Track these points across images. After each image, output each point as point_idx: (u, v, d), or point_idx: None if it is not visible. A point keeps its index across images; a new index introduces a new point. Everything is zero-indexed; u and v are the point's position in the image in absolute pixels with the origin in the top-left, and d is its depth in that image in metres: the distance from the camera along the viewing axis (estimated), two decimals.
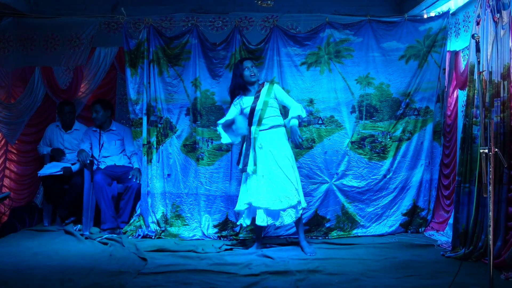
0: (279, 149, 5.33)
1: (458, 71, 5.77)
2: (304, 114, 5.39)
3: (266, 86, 5.47)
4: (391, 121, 6.09)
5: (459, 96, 5.82)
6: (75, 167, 6.53)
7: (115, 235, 5.94)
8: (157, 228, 6.03)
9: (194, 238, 5.96)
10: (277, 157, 5.29)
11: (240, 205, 5.38)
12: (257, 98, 5.39)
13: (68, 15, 6.64)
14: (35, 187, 6.98)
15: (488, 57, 4.71)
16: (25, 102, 6.76)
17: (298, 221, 5.38)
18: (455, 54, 5.90)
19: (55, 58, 6.67)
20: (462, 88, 5.63)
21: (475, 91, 4.90)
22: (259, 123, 5.34)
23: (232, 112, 5.47)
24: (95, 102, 6.59)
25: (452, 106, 5.94)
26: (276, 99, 5.43)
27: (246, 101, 5.43)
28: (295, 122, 5.31)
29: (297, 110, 5.33)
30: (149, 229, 6.02)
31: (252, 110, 5.37)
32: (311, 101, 6.08)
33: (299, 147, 5.66)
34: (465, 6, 5.68)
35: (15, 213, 6.44)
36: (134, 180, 6.26)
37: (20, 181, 6.98)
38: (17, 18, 6.58)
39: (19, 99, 6.77)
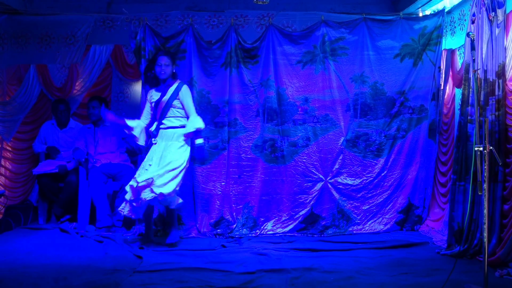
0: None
1: (455, 69, 5.79)
2: (202, 125, 5.43)
3: (175, 85, 5.51)
4: (385, 120, 6.10)
5: (456, 94, 5.83)
6: (70, 165, 6.51)
7: (111, 233, 5.94)
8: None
9: (190, 236, 5.96)
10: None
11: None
12: (163, 94, 5.48)
13: (63, 13, 6.62)
14: (30, 185, 6.96)
15: (483, 55, 4.73)
16: (20, 100, 6.75)
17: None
18: (451, 52, 5.92)
19: (50, 55, 6.68)
20: (458, 86, 5.64)
21: (470, 90, 4.91)
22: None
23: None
24: (92, 99, 6.59)
25: (450, 104, 5.96)
26: (179, 100, 5.47)
27: (154, 96, 5.54)
28: (200, 141, 5.48)
29: (190, 126, 5.40)
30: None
31: (157, 105, 5.49)
32: (306, 100, 6.09)
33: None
34: (460, 4, 5.70)
35: (9, 211, 6.41)
36: None
37: (15, 179, 6.96)
38: (11, 16, 6.57)
39: (14, 96, 6.76)
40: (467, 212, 4.84)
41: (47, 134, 6.81)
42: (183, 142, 5.46)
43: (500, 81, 4.66)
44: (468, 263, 4.63)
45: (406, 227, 6.10)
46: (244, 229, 6.00)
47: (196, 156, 5.66)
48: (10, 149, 6.94)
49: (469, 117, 4.93)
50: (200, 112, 6.06)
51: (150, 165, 5.35)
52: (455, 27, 5.87)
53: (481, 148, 3.89)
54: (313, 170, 6.08)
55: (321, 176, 6.08)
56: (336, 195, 6.07)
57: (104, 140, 6.55)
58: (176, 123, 5.47)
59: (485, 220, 3.86)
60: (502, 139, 4.66)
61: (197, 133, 5.45)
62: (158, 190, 5.19)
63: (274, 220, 6.08)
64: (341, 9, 6.80)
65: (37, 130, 6.90)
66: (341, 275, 4.39)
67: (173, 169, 5.30)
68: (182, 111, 5.49)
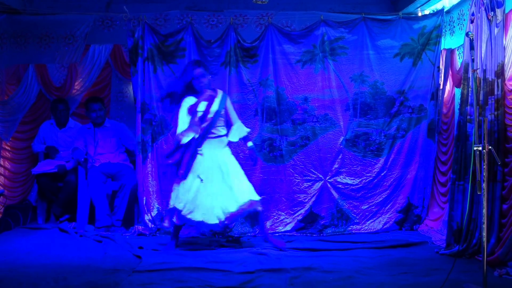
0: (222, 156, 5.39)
1: (454, 69, 5.78)
2: (236, 139, 5.46)
3: (220, 94, 5.43)
4: (385, 119, 6.10)
5: (456, 94, 5.83)
6: (69, 165, 6.51)
7: (110, 233, 5.93)
8: (152, 226, 6.02)
9: (189, 236, 5.96)
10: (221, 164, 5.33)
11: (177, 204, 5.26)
12: (209, 105, 5.33)
13: (62, 13, 6.62)
14: (29, 184, 6.95)
15: (482, 55, 4.73)
16: (19, 100, 6.74)
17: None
18: (450, 52, 5.92)
19: (49, 55, 6.67)
20: (458, 86, 5.63)
21: (469, 89, 4.91)
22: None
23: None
24: (92, 101, 6.53)
25: (450, 103, 5.96)
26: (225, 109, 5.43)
27: (200, 105, 5.33)
28: (251, 143, 5.48)
29: (242, 130, 5.44)
30: (145, 227, 6.01)
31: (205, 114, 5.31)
32: (305, 99, 6.09)
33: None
34: (459, 4, 5.70)
35: (9, 211, 6.41)
36: None
37: (14, 179, 6.95)
38: (11, 15, 6.56)
39: (12, 96, 6.75)
40: (466, 211, 4.84)
41: (46, 133, 6.81)
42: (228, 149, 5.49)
43: (499, 80, 4.66)
44: (467, 263, 4.63)
45: (405, 226, 6.11)
46: (243, 229, 6.00)
47: (250, 159, 5.62)
48: (9, 148, 6.93)
49: (468, 117, 4.93)
50: None
51: (199, 177, 5.21)
52: (454, 26, 5.87)
53: (480, 148, 3.89)
54: (312, 170, 6.08)
55: (320, 176, 6.09)
56: (335, 195, 6.08)
57: (104, 141, 6.54)
58: (222, 132, 5.41)
59: (484, 219, 3.87)
60: (501, 138, 4.66)
61: (245, 137, 5.47)
62: (245, 200, 5.25)
63: (272, 219, 6.08)
64: (340, 8, 6.79)
65: (36, 130, 6.89)
66: (340, 275, 4.39)
67: (242, 175, 5.36)
68: (223, 120, 5.46)
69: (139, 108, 6.04)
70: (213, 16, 6.56)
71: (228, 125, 5.47)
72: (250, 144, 5.49)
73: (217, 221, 5.16)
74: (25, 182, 6.97)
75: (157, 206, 6.09)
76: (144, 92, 6.06)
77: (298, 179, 6.06)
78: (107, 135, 6.56)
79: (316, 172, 6.08)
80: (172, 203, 5.30)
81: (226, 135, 5.43)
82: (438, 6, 6.04)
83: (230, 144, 5.49)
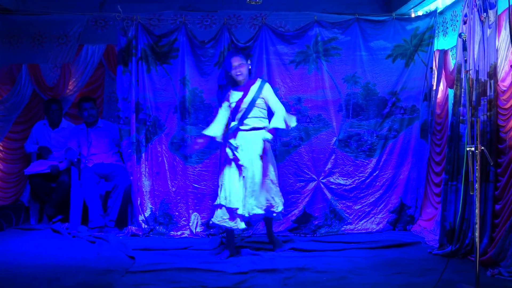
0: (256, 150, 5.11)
1: (447, 70, 5.80)
2: (283, 126, 5.08)
3: (257, 83, 5.23)
4: (377, 120, 6.12)
5: (449, 94, 5.85)
6: (62, 165, 6.49)
7: (103, 234, 5.92)
8: (146, 226, 6.01)
9: (182, 236, 5.95)
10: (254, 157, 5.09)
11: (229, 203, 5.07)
12: (244, 94, 5.17)
13: (55, 12, 6.60)
14: (22, 185, 6.92)
15: (475, 56, 4.75)
16: (13, 100, 6.71)
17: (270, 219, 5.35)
18: (444, 53, 5.94)
19: (43, 55, 6.63)
20: (451, 87, 5.65)
21: (462, 90, 4.94)
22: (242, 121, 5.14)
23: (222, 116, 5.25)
24: (84, 100, 6.52)
25: (443, 104, 5.97)
26: (263, 99, 5.19)
27: (234, 96, 5.21)
28: (268, 136, 5.09)
29: (278, 120, 5.08)
30: (138, 227, 6.00)
31: (239, 104, 5.15)
32: (299, 100, 6.10)
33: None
34: (452, 5, 5.73)
35: (1, 211, 6.37)
36: None
37: (7, 179, 6.92)
38: (4, 15, 6.53)
39: (7, 96, 6.72)
40: (459, 211, 4.86)
41: (39, 134, 6.78)
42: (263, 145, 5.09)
43: (492, 81, 4.68)
44: (460, 263, 4.65)
45: (398, 227, 6.12)
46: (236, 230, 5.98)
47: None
48: (1, 149, 6.89)
49: (461, 118, 4.95)
50: (193, 111, 6.07)
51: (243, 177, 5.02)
52: (447, 27, 5.90)
53: (472, 148, 3.91)
54: (305, 170, 6.09)
55: (313, 176, 6.10)
56: (329, 195, 6.09)
57: (98, 141, 6.52)
58: (260, 124, 5.15)
59: (477, 219, 3.89)
60: (493, 139, 4.69)
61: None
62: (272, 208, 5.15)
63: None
64: (334, 9, 6.80)
65: (29, 130, 6.87)
66: (334, 275, 4.40)
67: (274, 181, 5.15)
68: (265, 112, 5.20)
69: (134, 108, 6.03)
70: (207, 16, 6.55)
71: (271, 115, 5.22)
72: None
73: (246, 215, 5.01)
74: (18, 182, 6.94)
75: (150, 206, 6.08)
76: (138, 92, 6.05)
77: (291, 179, 6.07)
78: (101, 135, 6.54)
79: (309, 173, 6.09)
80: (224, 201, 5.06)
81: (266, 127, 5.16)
82: (431, 7, 6.07)
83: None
